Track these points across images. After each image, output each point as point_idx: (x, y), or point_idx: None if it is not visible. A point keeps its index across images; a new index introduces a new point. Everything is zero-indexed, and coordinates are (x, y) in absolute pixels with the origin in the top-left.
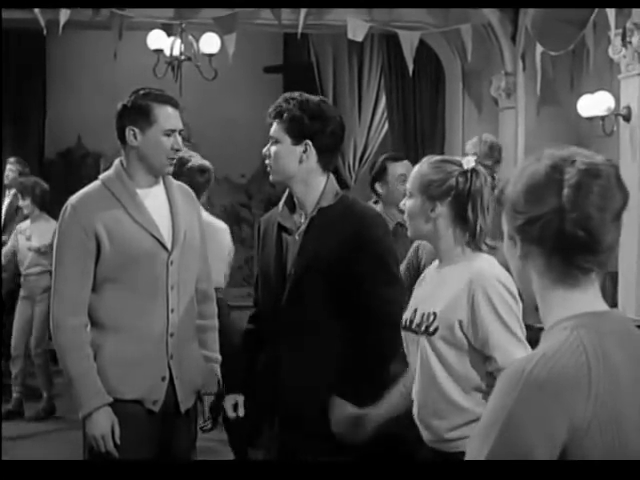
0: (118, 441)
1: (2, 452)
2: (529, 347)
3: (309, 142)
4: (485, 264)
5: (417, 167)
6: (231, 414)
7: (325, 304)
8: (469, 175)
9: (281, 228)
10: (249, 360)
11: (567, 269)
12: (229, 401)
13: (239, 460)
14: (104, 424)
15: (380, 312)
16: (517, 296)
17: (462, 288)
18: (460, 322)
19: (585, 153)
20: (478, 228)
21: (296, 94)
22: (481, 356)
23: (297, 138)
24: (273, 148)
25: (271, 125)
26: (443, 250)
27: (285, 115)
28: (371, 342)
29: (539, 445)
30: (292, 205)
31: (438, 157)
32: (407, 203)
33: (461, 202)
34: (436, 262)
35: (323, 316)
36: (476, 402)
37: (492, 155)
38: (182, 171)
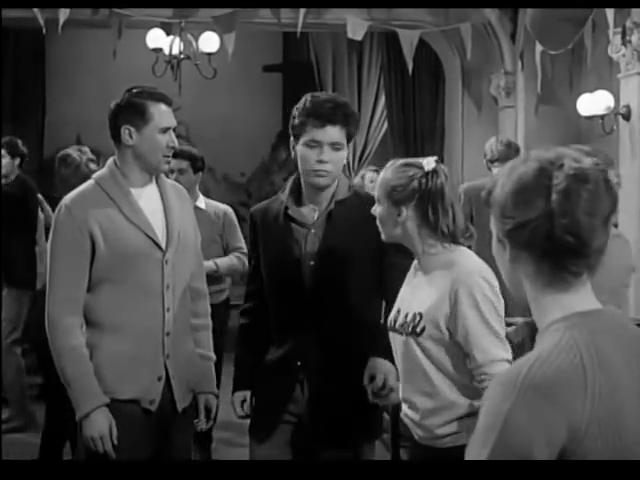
0: (116, 442)
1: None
2: (508, 345)
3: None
4: (466, 260)
5: (382, 173)
6: (239, 411)
7: (352, 287)
8: (429, 176)
9: (289, 220)
10: (253, 354)
11: (558, 273)
12: (238, 398)
13: (239, 460)
14: (101, 425)
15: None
16: (499, 292)
17: (446, 284)
18: (446, 318)
19: (573, 155)
20: (444, 227)
21: (342, 98)
22: (463, 352)
23: (349, 141)
24: (338, 154)
25: (321, 127)
26: (418, 250)
27: (351, 120)
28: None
29: (538, 448)
30: (298, 198)
31: (401, 161)
32: (377, 209)
33: (424, 204)
34: (415, 261)
35: (351, 296)
36: (468, 397)
37: (509, 154)
38: None
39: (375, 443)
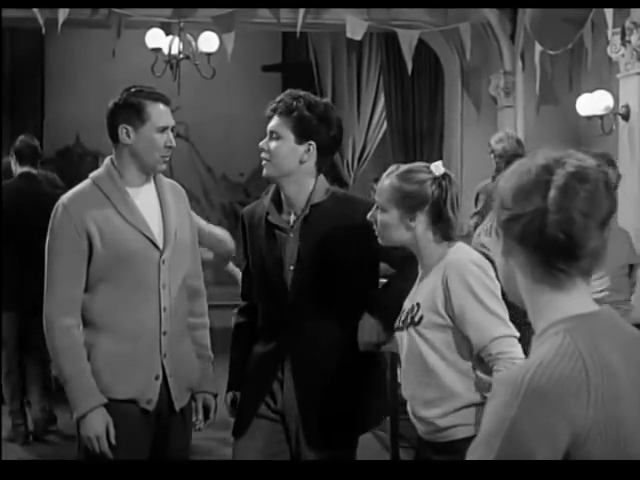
0: (113, 441)
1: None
2: (512, 325)
3: (313, 143)
4: (459, 251)
5: (386, 180)
6: (230, 412)
7: (333, 289)
8: (442, 181)
9: (270, 225)
10: (245, 355)
11: (548, 270)
12: (229, 398)
13: (239, 460)
14: (98, 425)
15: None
16: (494, 276)
17: (439, 274)
18: (443, 305)
19: (578, 156)
20: (451, 230)
21: (302, 93)
22: (467, 339)
23: (302, 137)
24: (273, 143)
25: (271, 119)
26: (424, 252)
27: (295, 113)
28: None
29: (542, 453)
30: (278, 203)
31: (405, 167)
32: (381, 217)
33: (438, 207)
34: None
35: (332, 298)
36: (468, 387)
37: (519, 149)
38: None
39: (357, 442)
